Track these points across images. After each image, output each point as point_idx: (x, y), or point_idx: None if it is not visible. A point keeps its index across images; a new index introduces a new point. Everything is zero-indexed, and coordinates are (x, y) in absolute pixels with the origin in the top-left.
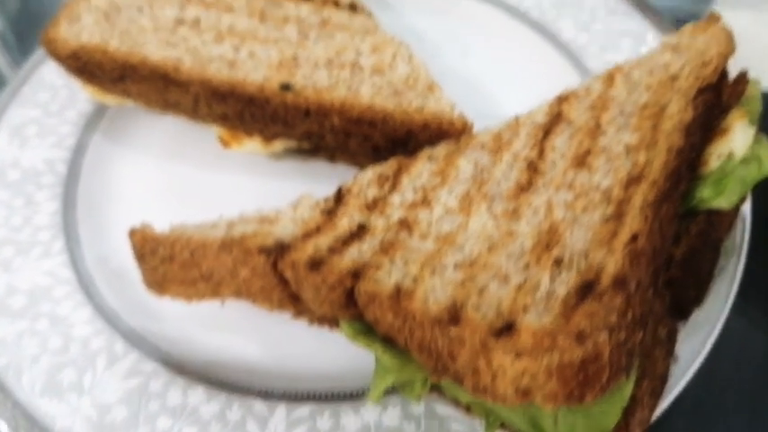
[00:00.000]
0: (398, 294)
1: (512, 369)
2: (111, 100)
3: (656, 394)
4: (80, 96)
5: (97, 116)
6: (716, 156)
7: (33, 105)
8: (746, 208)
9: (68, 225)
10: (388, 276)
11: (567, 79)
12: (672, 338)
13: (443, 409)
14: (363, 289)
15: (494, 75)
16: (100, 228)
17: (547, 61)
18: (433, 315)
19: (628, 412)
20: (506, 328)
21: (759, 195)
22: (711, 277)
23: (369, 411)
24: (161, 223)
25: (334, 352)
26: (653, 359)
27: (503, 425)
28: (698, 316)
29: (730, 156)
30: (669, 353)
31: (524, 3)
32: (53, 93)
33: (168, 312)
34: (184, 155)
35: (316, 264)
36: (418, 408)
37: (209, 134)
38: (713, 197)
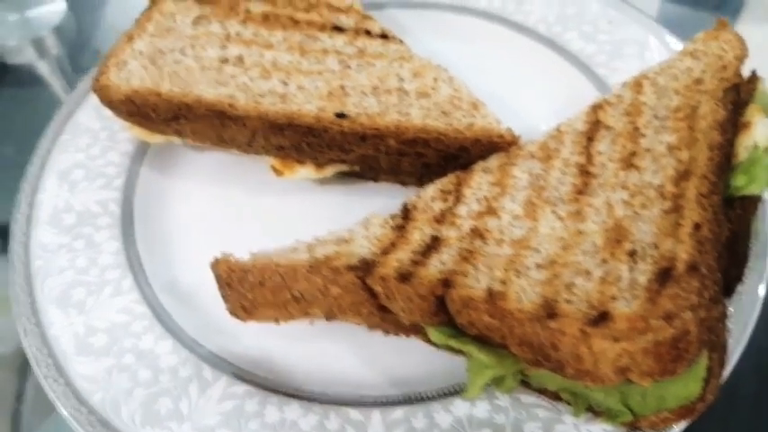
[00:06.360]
0: (492, 297)
1: (612, 352)
2: (156, 139)
3: (722, 363)
4: (120, 137)
5: (141, 153)
6: (743, 147)
7: (75, 150)
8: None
9: (132, 262)
10: (476, 282)
11: (581, 87)
12: (726, 314)
13: (528, 398)
14: (457, 295)
15: (514, 89)
16: (161, 260)
17: (560, 72)
18: (529, 312)
19: (705, 381)
20: (601, 317)
21: None
22: (748, 256)
23: (459, 407)
24: (221, 250)
25: (410, 357)
26: (717, 333)
27: (588, 407)
28: (740, 294)
29: (755, 146)
30: (725, 327)
31: (530, 19)
32: (93, 136)
33: (243, 332)
34: (230, 182)
35: (405, 276)
36: (504, 400)
37: (253, 161)
38: (747, 185)
